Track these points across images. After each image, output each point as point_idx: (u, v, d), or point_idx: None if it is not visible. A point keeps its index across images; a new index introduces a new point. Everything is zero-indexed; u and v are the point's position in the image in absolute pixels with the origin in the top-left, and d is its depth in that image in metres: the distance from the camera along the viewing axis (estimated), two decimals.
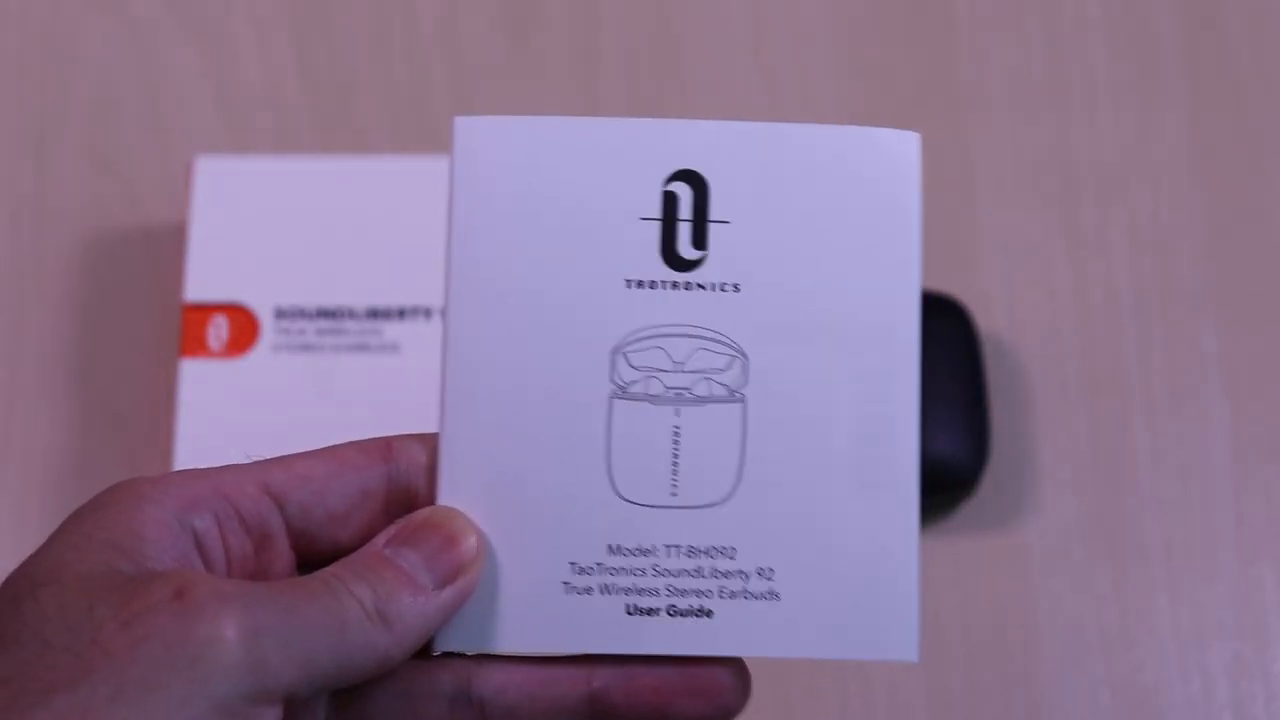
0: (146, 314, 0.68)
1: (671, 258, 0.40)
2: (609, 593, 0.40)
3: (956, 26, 0.72)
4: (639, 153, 0.40)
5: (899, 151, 0.41)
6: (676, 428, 0.40)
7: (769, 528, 0.40)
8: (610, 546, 0.40)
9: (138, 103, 0.71)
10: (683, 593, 0.40)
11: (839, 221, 0.41)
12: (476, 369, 0.40)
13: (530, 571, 0.40)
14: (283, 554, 0.39)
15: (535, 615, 0.40)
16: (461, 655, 0.40)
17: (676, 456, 0.40)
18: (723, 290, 0.40)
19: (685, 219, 0.40)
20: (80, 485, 0.65)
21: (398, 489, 0.40)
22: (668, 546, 0.40)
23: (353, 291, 0.64)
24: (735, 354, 0.40)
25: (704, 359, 0.40)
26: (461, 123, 0.41)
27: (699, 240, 0.40)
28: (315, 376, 0.63)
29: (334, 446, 0.40)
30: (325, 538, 0.40)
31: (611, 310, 0.40)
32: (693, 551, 0.40)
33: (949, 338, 0.66)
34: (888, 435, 0.41)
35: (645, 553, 0.40)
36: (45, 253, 0.69)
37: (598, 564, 0.40)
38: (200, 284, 0.64)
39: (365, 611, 0.37)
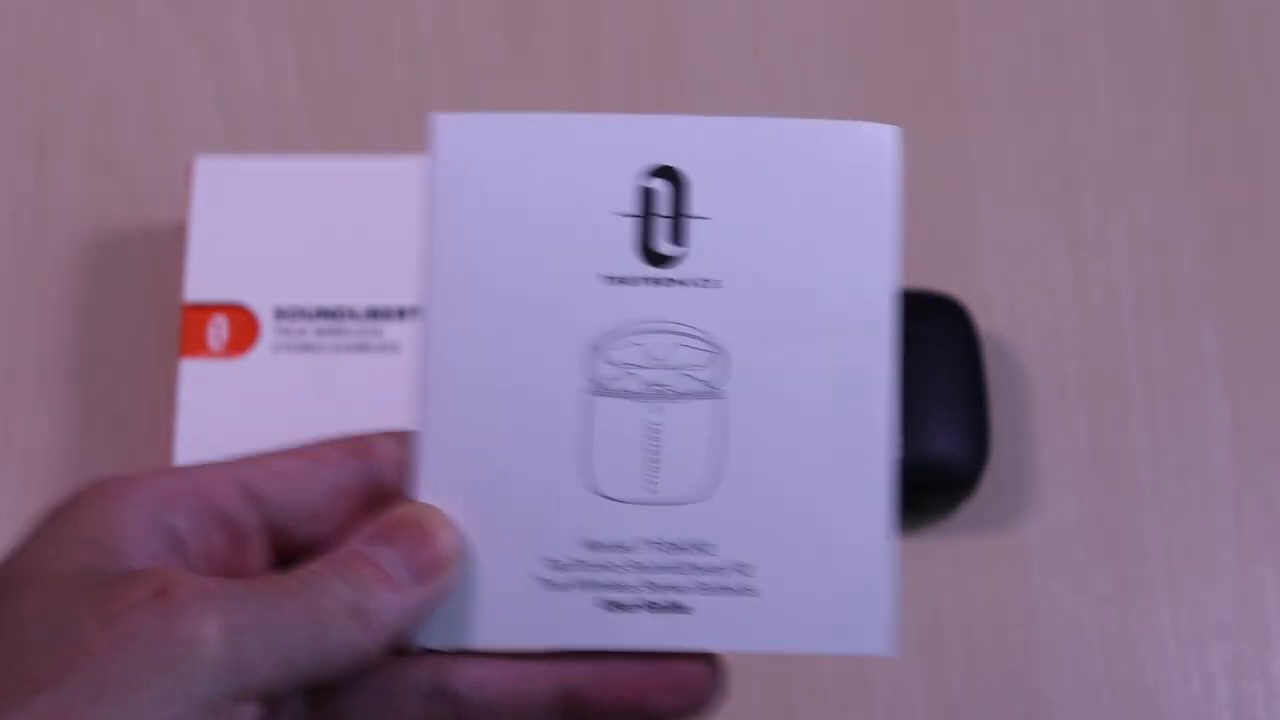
0: (146, 314, 0.68)
1: (649, 254, 0.40)
2: (586, 589, 0.40)
3: (956, 26, 0.72)
4: (616, 149, 0.41)
5: (875, 145, 0.41)
6: (656, 424, 0.41)
7: (748, 524, 0.40)
8: (588, 543, 0.40)
9: (138, 103, 0.71)
10: (661, 589, 0.40)
11: (816, 216, 0.41)
12: (454, 365, 0.40)
13: (508, 568, 0.40)
14: (260, 551, 0.39)
15: (512, 611, 0.40)
16: (439, 651, 0.40)
17: (656, 453, 0.40)
18: (702, 286, 0.40)
19: (663, 215, 0.40)
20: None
21: (375, 485, 0.40)
22: (646, 543, 0.40)
23: (353, 291, 0.64)
24: (714, 350, 0.40)
25: (683, 355, 0.41)
26: (440, 120, 0.41)
27: (677, 236, 0.41)
28: (315, 376, 0.63)
29: (310, 443, 0.40)
30: (302, 534, 0.40)
31: (589, 307, 0.40)
32: (671, 548, 0.40)
33: (949, 338, 0.66)
34: (862, 431, 0.41)
35: (623, 549, 0.40)
36: (45, 253, 0.69)
37: (575, 560, 0.40)
38: (200, 284, 0.64)
39: (344, 609, 0.37)
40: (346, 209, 0.65)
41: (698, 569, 0.40)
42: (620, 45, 0.72)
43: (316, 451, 0.40)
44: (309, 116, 0.71)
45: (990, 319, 0.67)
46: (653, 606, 0.40)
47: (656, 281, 0.40)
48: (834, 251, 0.41)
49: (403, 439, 0.40)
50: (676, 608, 0.40)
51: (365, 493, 0.40)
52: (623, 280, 0.40)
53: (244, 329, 0.64)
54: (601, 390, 0.40)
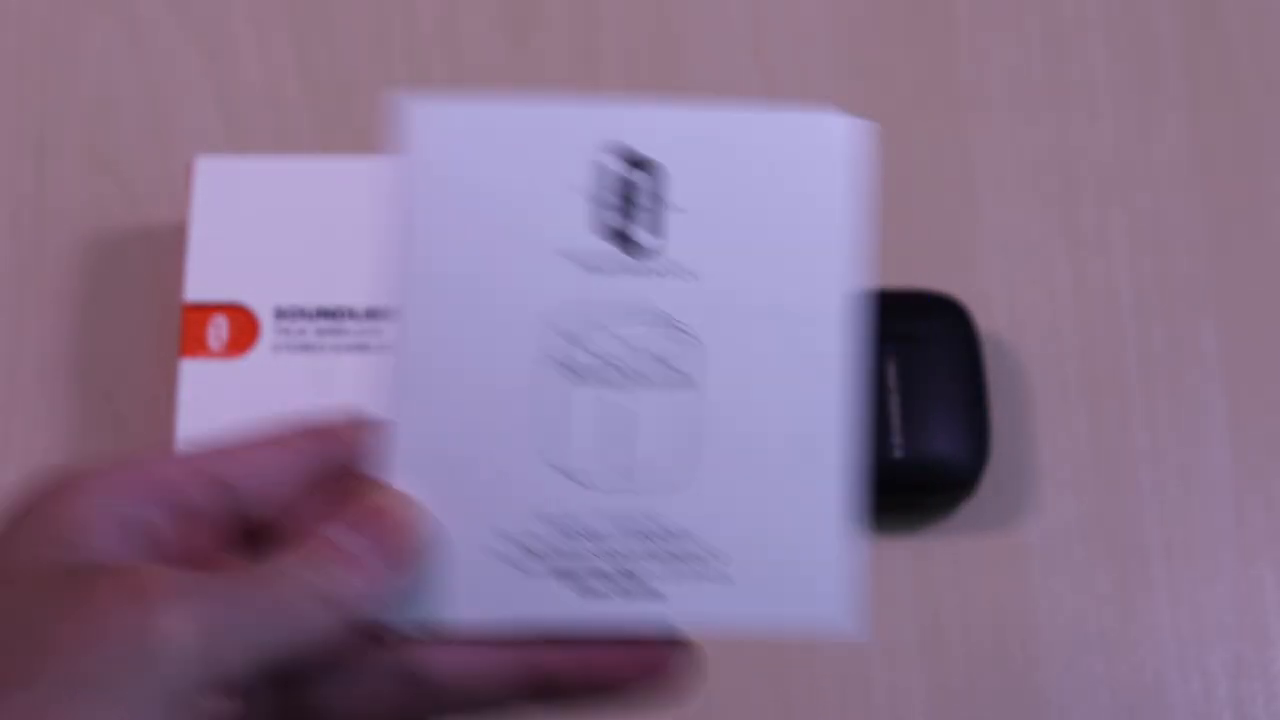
0: (146, 314, 0.68)
1: (624, 242, 0.41)
2: (560, 574, 0.40)
3: (956, 26, 0.72)
4: (586, 135, 0.41)
5: (832, 136, 0.41)
6: (630, 412, 0.41)
7: (720, 510, 0.41)
8: (562, 528, 0.40)
9: (138, 103, 0.71)
10: (633, 575, 0.40)
11: (779, 206, 0.41)
12: (425, 351, 0.40)
13: (479, 553, 0.40)
14: (225, 538, 0.39)
15: (484, 595, 0.40)
16: (411, 635, 0.40)
17: (631, 441, 0.41)
18: (675, 276, 0.41)
19: (638, 204, 0.41)
20: None
21: (341, 471, 0.40)
22: (620, 529, 0.40)
23: (353, 291, 0.64)
24: (688, 339, 0.41)
25: (657, 345, 0.41)
26: (408, 103, 0.41)
27: (651, 226, 0.41)
28: (315, 376, 0.63)
29: (274, 429, 0.40)
30: (269, 520, 0.40)
31: (564, 296, 0.40)
32: (645, 534, 0.40)
33: (949, 338, 0.66)
34: (817, 417, 0.41)
35: (597, 535, 0.40)
36: (45, 253, 0.69)
37: (549, 546, 0.40)
38: (200, 284, 0.64)
39: (315, 597, 0.37)
40: (347, 209, 0.65)
41: (671, 555, 0.40)
42: (620, 45, 0.72)
43: (281, 437, 0.40)
44: (309, 116, 0.71)
45: (990, 319, 0.67)
46: (626, 591, 0.40)
47: (632, 271, 0.41)
48: (794, 241, 0.41)
49: (370, 423, 0.40)
50: (650, 593, 0.40)
51: (332, 478, 0.40)
52: (599, 269, 0.41)
53: (244, 329, 0.64)
54: (578, 378, 0.41)
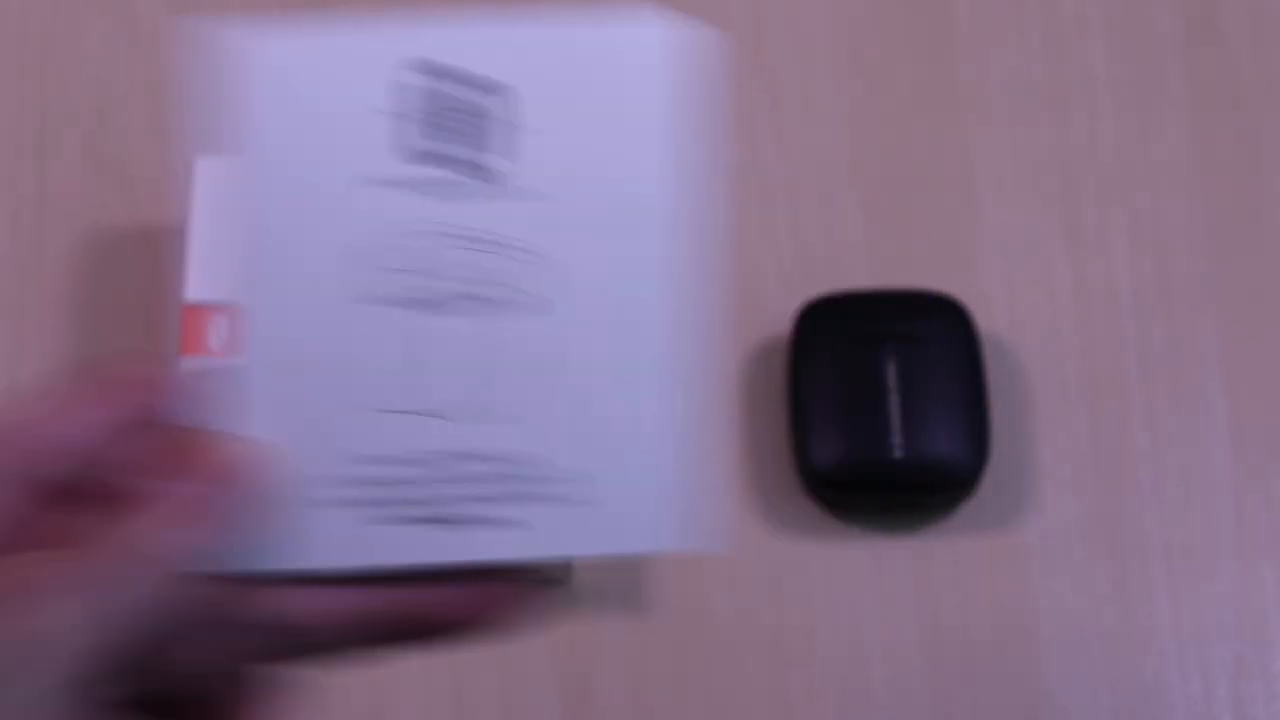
0: (146, 314, 0.68)
1: (465, 168, 0.39)
2: (408, 507, 0.39)
3: (956, 26, 0.72)
4: (402, 58, 0.39)
5: (649, 42, 0.40)
6: (484, 341, 0.40)
7: (574, 435, 0.40)
8: (408, 460, 0.39)
9: (138, 103, 0.71)
10: (490, 501, 0.39)
11: (611, 119, 0.40)
12: (262, 296, 0.39)
13: (329, 495, 0.39)
14: (59, 507, 0.38)
15: (336, 539, 0.39)
16: (271, 582, 0.39)
17: (478, 367, 0.39)
18: (522, 199, 0.40)
19: (477, 127, 0.39)
20: None
21: (170, 423, 0.39)
22: (470, 457, 0.39)
23: None
24: (531, 260, 0.40)
25: (507, 270, 0.40)
26: (229, 35, 0.39)
27: (494, 148, 0.40)
28: None
29: (74, 385, 0.39)
30: (98, 483, 0.38)
31: (408, 228, 0.39)
32: (496, 460, 0.39)
33: (949, 338, 0.66)
34: (643, 327, 0.40)
35: (447, 464, 0.39)
36: (45, 252, 0.69)
37: (396, 479, 0.39)
38: (200, 284, 0.64)
39: (162, 557, 0.36)
40: None
41: (528, 482, 0.39)
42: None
43: (97, 393, 0.39)
44: None
45: (990, 319, 0.67)
46: (482, 520, 0.39)
47: (479, 197, 0.39)
48: (625, 153, 0.40)
49: (196, 372, 0.39)
50: (506, 522, 0.39)
51: (160, 430, 0.39)
52: (437, 193, 0.39)
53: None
54: (428, 309, 0.39)
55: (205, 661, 0.39)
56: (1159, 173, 0.70)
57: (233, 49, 0.39)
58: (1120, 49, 0.72)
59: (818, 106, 0.71)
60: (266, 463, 0.38)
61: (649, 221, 0.40)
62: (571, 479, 0.40)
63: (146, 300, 0.68)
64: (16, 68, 0.71)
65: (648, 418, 0.40)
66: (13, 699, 0.34)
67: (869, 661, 0.64)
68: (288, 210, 0.39)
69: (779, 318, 0.67)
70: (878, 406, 0.64)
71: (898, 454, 0.64)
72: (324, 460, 0.39)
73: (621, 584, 0.65)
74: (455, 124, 0.40)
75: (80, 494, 0.38)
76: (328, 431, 0.39)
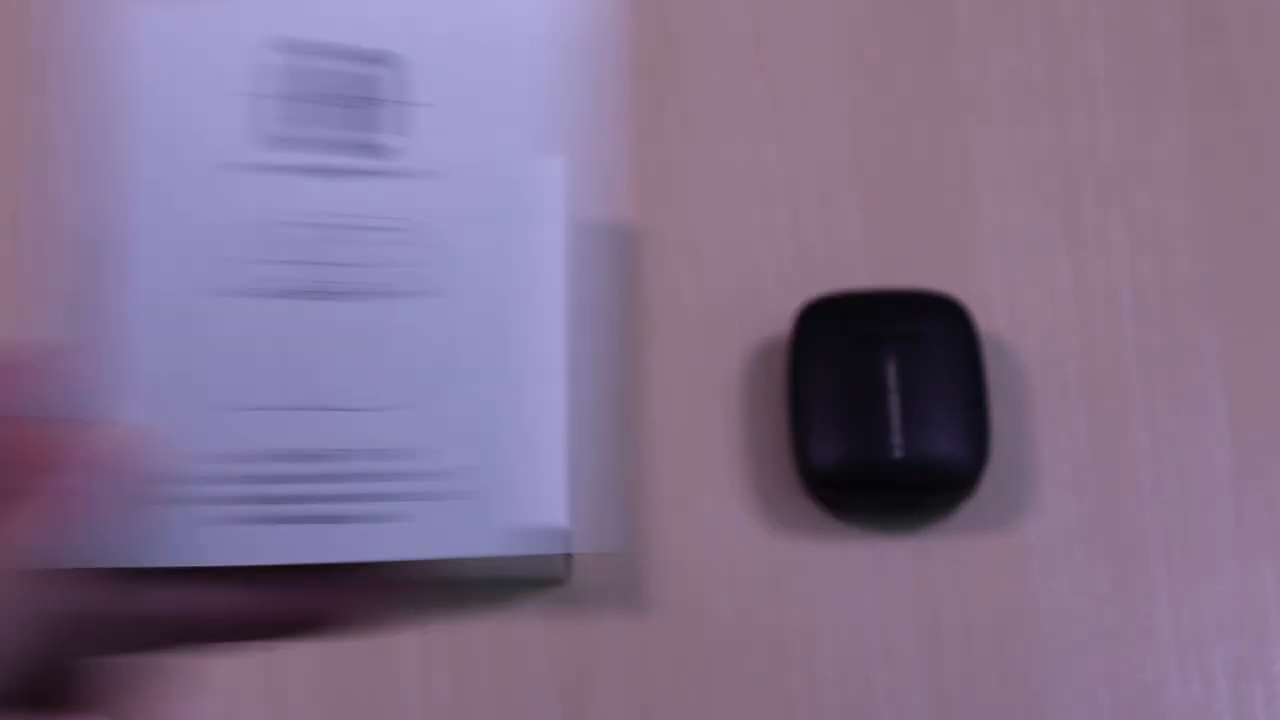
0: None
1: (355, 147, 0.38)
2: (290, 504, 0.37)
3: (956, 26, 0.72)
4: (276, 36, 0.38)
5: (519, 11, 0.39)
6: (361, 324, 0.38)
7: (461, 426, 0.38)
8: (287, 454, 0.38)
9: None
10: (373, 499, 0.38)
11: (497, 88, 0.38)
12: (137, 283, 0.38)
13: (201, 489, 0.37)
14: None
15: (212, 532, 0.37)
16: (166, 580, 0.37)
17: (361, 355, 0.38)
18: (407, 175, 0.38)
19: (364, 99, 0.38)
20: None
21: (37, 412, 0.37)
22: (351, 451, 0.38)
23: None
24: (419, 241, 0.38)
25: (386, 251, 0.38)
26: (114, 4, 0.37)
27: (383, 123, 0.38)
28: None
29: None
30: None
31: (285, 209, 0.38)
32: (380, 454, 0.38)
33: (949, 338, 0.66)
34: (534, 319, 0.39)
35: (327, 459, 0.38)
36: (45, 253, 0.69)
37: (278, 475, 0.37)
38: None
39: (35, 556, 0.35)
40: None
41: (407, 475, 0.38)
42: (620, 45, 0.72)
43: None
44: None
45: (990, 319, 0.67)
46: (364, 516, 0.38)
47: (355, 172, 0.38)
48: (508, 125, 0.38)
49: (62, 357, 0.38)
50: (389, 517, 0.38)
51: (23, 422, 0.37)
52: (324, 172, 0.38)
53: None
54: (310, 296, 0.38)
55: (83, 655, 0.38)
56: (1159, 173, 0.70)
57: (110, 17, 0.37)
58: (1120, 49, 0.72)
59: (818, 106, 0.71)
60: (142, 448, 0.37)
61: (534, 202, 0.38)
62: (456, 473, 0.38)
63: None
64: (16, 68, 0.71)
65: (534, 410, 0.38)
66: None
67: (869, 661, 0.64)
68: (154, 195, 0.38)
69: (779, 318, 0.67)
70: (878, 406, 0.64)
71: (898, 454, 0.64)
72: (201, 455, 0.37)
73: (621, 584, 0.65)
74: (339, 101, 0.38)
75: None
76: (205, 427, 0.37)
